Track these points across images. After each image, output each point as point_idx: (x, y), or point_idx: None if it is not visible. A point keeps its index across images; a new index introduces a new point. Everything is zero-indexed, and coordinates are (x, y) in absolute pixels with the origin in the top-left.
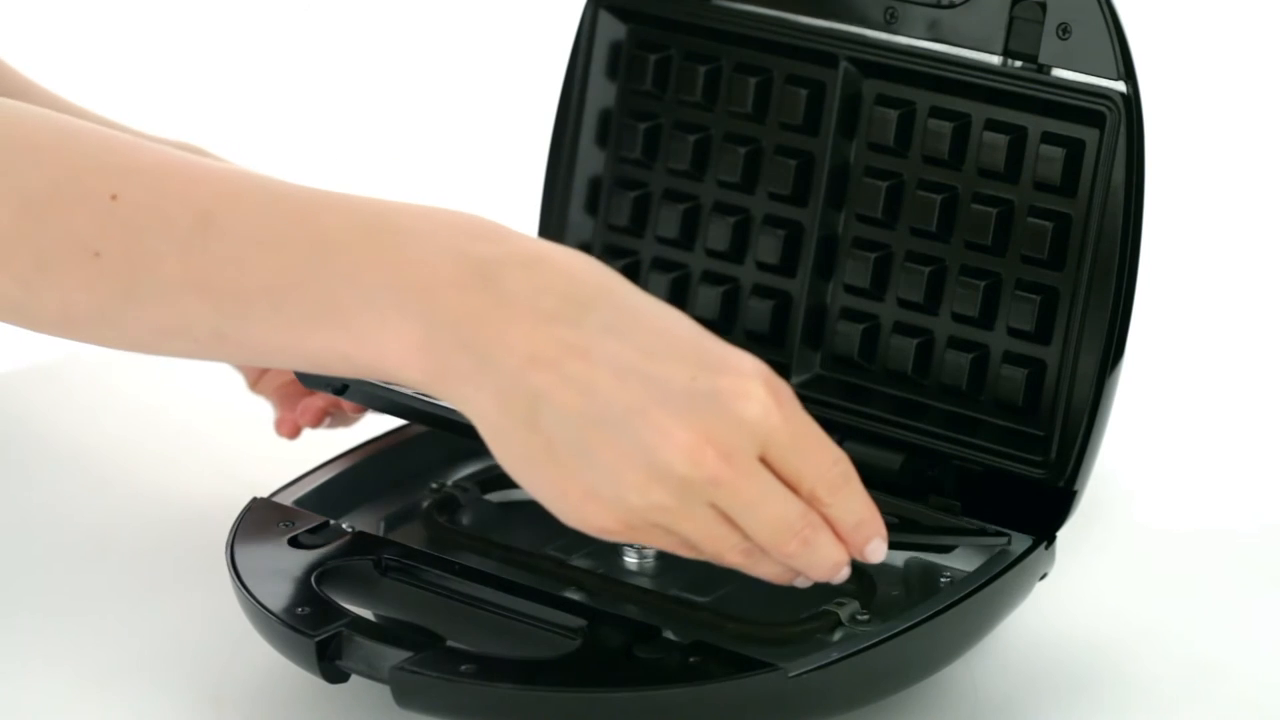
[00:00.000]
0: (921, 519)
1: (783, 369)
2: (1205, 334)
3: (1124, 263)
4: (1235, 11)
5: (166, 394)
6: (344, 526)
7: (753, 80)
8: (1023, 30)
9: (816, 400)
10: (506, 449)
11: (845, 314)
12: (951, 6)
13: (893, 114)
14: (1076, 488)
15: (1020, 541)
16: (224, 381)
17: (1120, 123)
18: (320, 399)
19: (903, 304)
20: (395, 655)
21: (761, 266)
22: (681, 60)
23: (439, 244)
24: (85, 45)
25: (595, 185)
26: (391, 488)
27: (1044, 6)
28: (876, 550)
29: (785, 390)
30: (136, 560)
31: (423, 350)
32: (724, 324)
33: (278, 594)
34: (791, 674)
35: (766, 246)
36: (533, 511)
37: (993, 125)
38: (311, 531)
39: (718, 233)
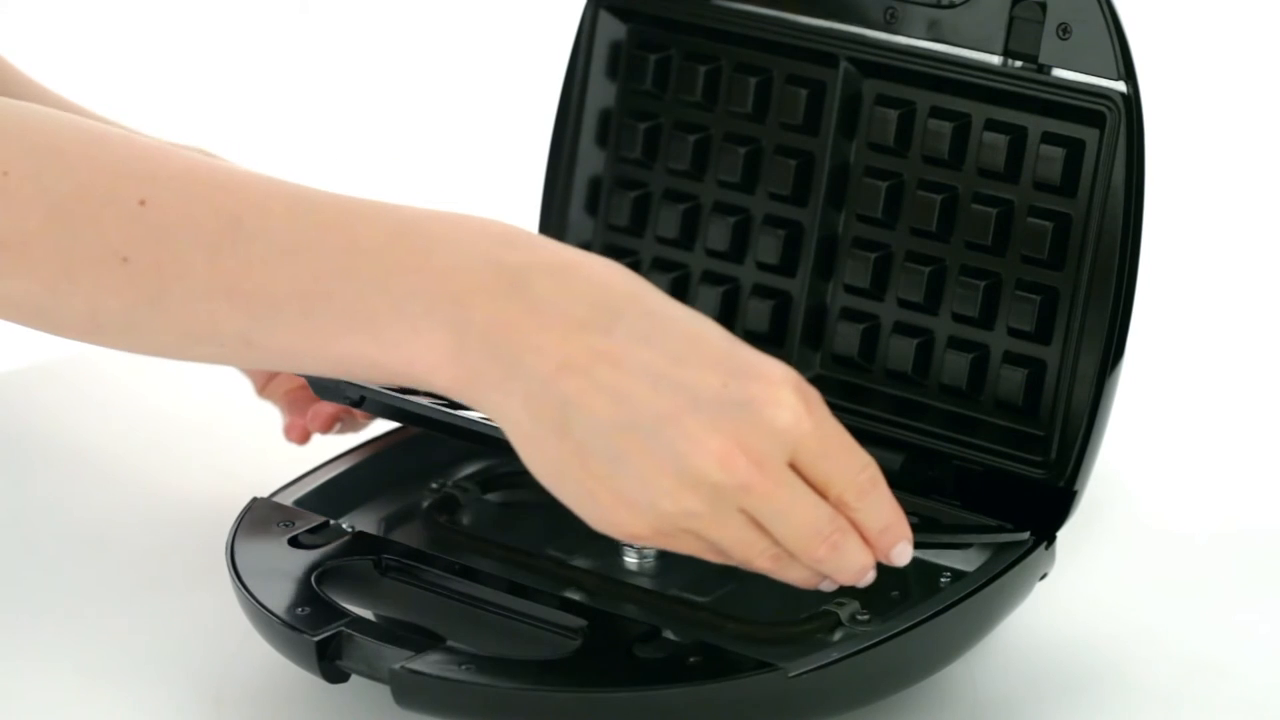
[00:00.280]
0: (941, 516)
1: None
2: (1205, 334)
3: (1124, 263)
4: (1235, 11)
5: (167, 394)
6: (344, 526)
7: (753, 80)
8: (1023, 30)
9: None
10: (537, 456)
11: (845, 314)
12: (951, 6)
13: (893, 114)
14: (1076, 488)
15: (1020, 541)
16: (224, 382)
17: (1120, 123)
18: (331, 405)
19: (903, 304)
20: (395, 655)
21: (761, 266)
22: (681, 60)
23: (469, 251)
24: (85, 46)
25: (595, 185)
26: (391, 488)
27: (1044, 6)
28: (902, 553)
29: (815, 396)
30: (137, 560)
31: (453, 357)
32: (724, 324)
33: (278, 594)
34: (791, 674)
35: (766, 246)
36: (533, 511)
37: (993, 125)
38: (311, 531)
39: (718, 233)
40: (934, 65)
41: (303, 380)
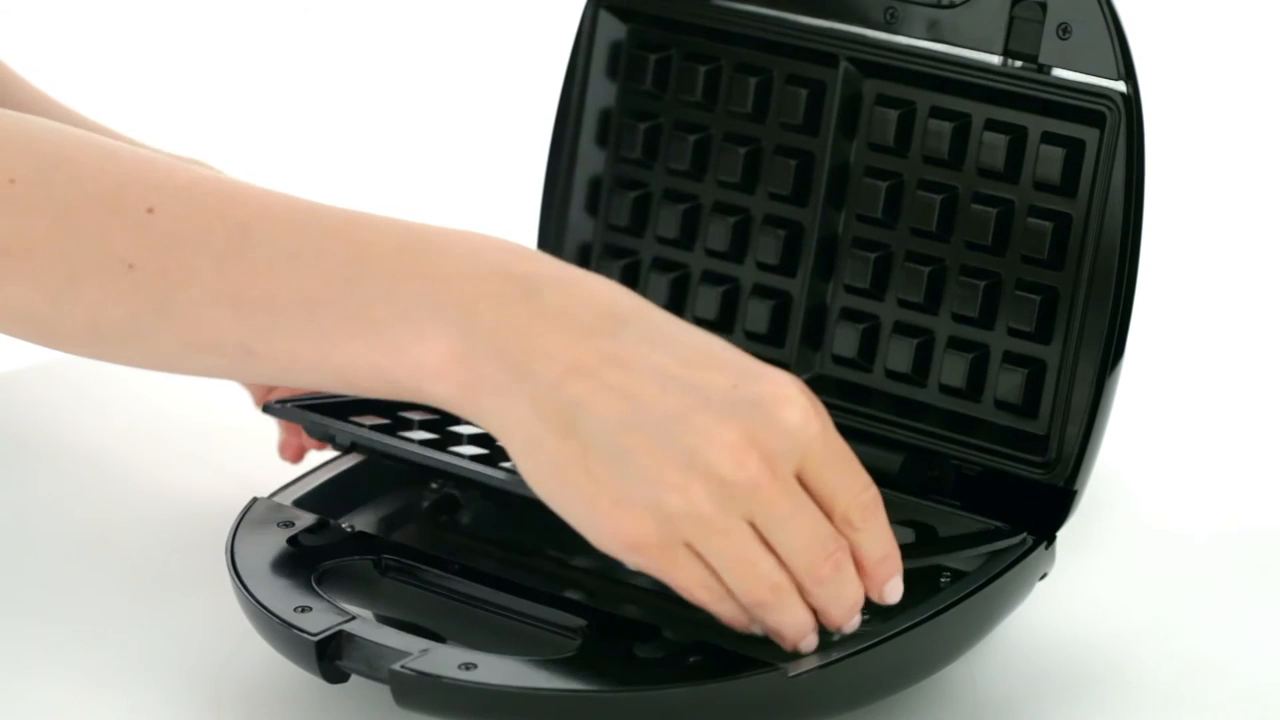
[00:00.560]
0: (939, 526)
1: (783, 369)
2: (1205, 334)
3: (1124, 263)
4: (1235, 11)
5: (167, 394)
6: (344, 526)
7: (753, 80)
8: (1023, 30)
9: None
10: (537, 461)
11: (845, 314)
12: (951, 6)
13: (893, 114)
14: (1076, 487)
15: (1020, 541)
16: (224, 382)
17: (1120, 123)
18: None
19: (903, 304)
20: (395, 655)
21: (761, 266)
22: (681, 60)
23: (477, 260)
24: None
25: (595, 185)
26: (391, 488)
27: (1044, 6)
28: (894, 589)
29: (822, 407)
30: (136, 560)
31: (460, 361)
32: (724, 324)
33: (278, 594)
34: (791, 674)
35: (766, 246)
36: (533, 511)
37: (993, 125)
38: (311, 531)
39: (718, 233)
40: (934, 65)
41: (302, 393)
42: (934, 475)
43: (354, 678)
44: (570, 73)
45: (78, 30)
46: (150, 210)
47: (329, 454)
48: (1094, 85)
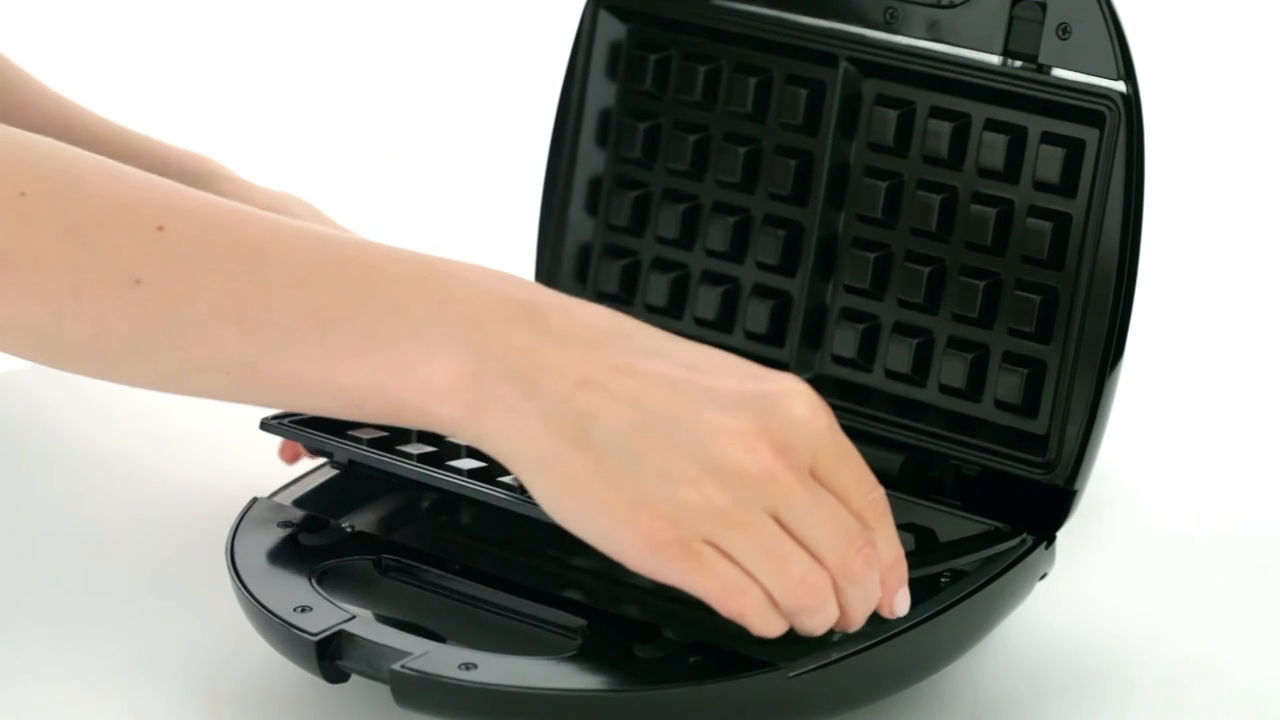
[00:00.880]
0: (939, 530)
1: (782, 369)
2: (1205, 334)
3: (1124, 262)
4: (1235, 11)
5: (167, 394)
6: (344, 526)
7: (753, 80)
8: (1023, 30)
9: None
10: (550, 479)
11: (845, 314)
12: (951, 6)
13: (893, 114)
14: (1076, 487)
15: (1020, 541)
16: None
17: (1120, 123)
18: None
19: (902, 304)
20: (395, 655)
21: (761, 266)
22: (681, 60)
23: (485, 287)
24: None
25: (595, 185)
26: (392, 488)
27: (1044, 6)
28: (902, 600)
29: (828, 408)
30: (136, 560)
31: (469, 381)
32: (724, 324)
33: (278, 594)
34: (791, 674)
35: (766, 246)
36: (533, 511)
37: (992, 125)
38: (311, 531)
39: (718, 233)
40: (934, 65)
41: None
42: (934, 475)
43: (354, 678)
44: (570, 73)
45: (78, 30)
46: (161, 228)
47: None
48: (1094, 85)
